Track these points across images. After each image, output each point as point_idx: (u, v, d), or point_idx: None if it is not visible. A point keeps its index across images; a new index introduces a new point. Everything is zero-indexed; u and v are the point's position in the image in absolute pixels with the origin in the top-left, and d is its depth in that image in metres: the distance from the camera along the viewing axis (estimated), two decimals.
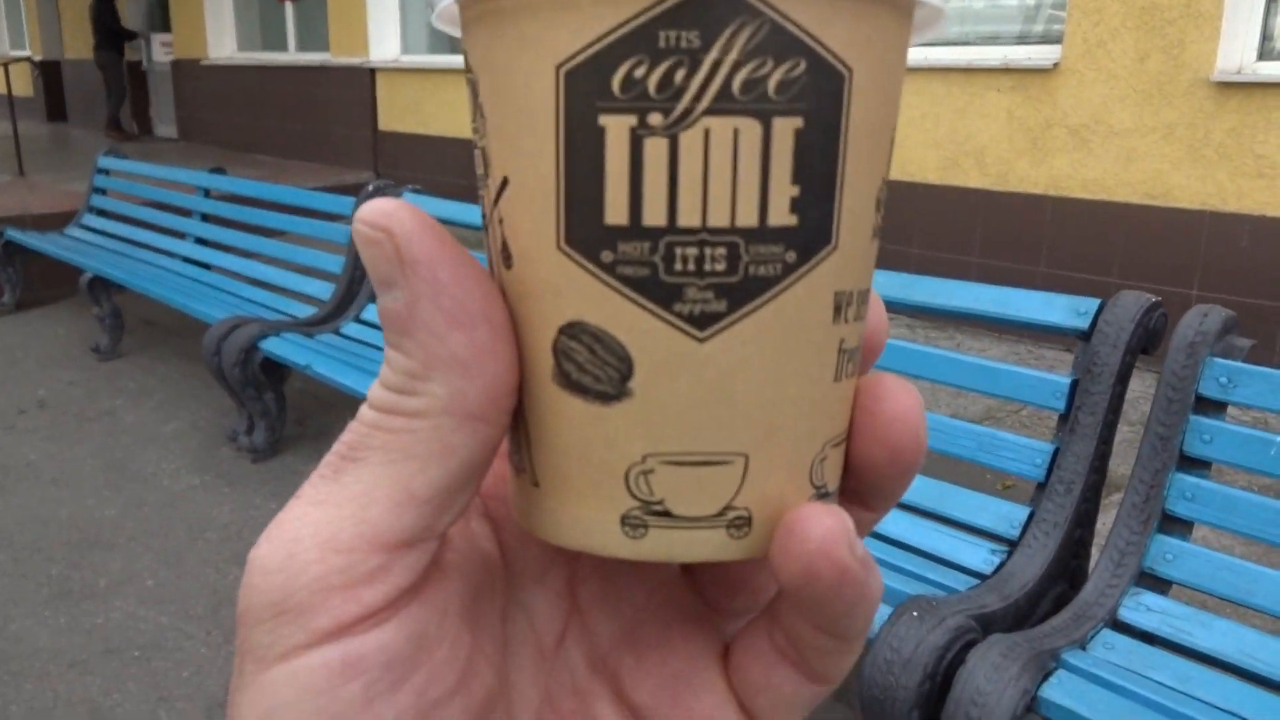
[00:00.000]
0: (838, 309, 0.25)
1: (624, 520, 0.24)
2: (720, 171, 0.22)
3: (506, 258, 0.25)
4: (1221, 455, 1.71)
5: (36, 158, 8.87)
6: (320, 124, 9.06)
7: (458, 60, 6.87)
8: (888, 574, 1.81)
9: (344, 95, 8.69)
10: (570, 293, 0.23)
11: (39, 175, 8.04)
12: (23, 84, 13.88)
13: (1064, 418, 1.87)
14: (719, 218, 0.22)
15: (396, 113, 8.26)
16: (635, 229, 0.23)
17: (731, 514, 0.25)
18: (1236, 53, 4.13)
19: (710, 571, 0.30)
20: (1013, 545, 1.85)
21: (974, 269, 4.89)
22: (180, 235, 4.85)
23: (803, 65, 0.22)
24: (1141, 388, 3.35)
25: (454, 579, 0.26)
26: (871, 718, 1.55)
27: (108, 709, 2.26)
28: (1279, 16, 4.19)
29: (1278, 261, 4.04)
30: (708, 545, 0.25)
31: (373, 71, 8.41)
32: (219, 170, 4.89)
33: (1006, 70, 4.76)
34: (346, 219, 3.89)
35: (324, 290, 3.92)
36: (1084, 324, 1.85)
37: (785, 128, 0.22)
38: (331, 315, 3.78)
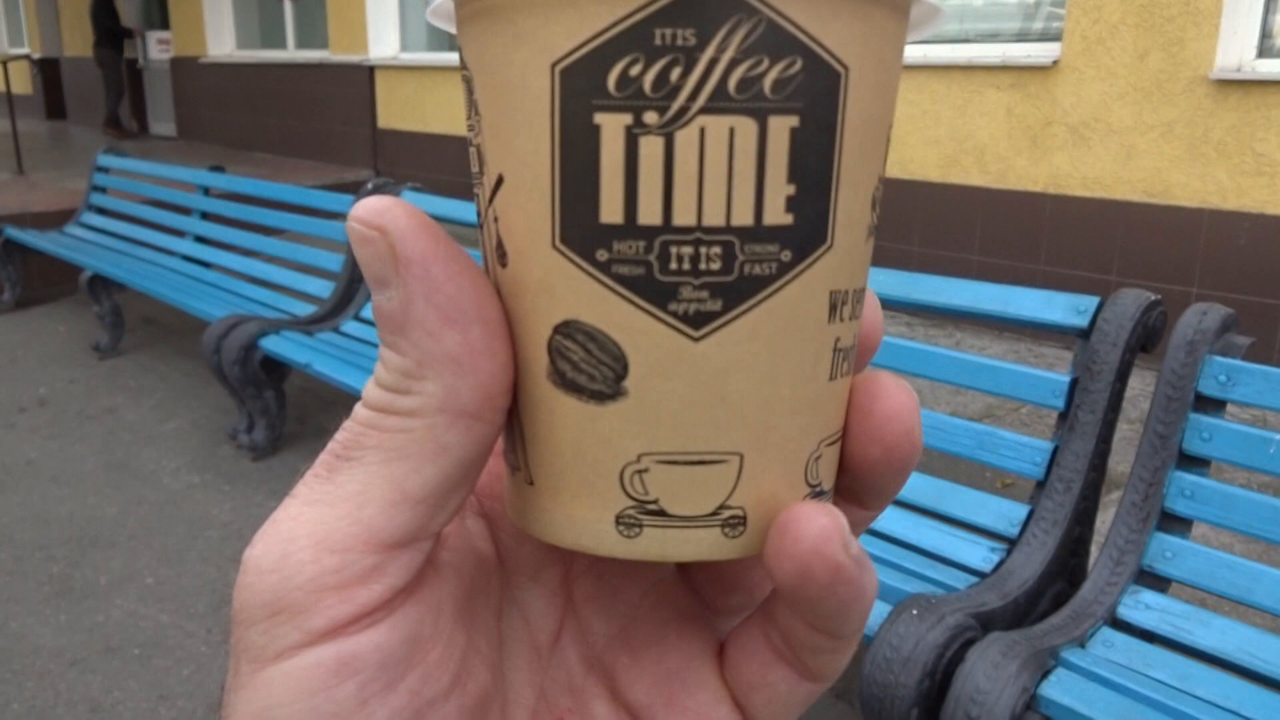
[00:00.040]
0: (833, 308, 0.25)
1: (619, 519, 0.24)
2: (715, 170, 0.22)
3: (501, 256, 0.25)
4: (1221, 453, 1.71)
5: (36, 156, 8.86)
6: (320, 122, 9.05)
7: (457, 58, 6.87)
8: (887, 572, 1.81)
9: (343, 93, 8.69)
10: (565, 291, 0.23)
11: (38, 173, 8.03)
12: (22, 82, 13.88)
13: (1063, 416, 1.87)
14: (714, 217, 0.22)
15: (396, 110, 8.26)
16: (630, 228, 0.22)
17: (726, 513, 0.24)
18: (1236, 50, 4.12)
19: (705, 569, 0.30)
20: (1012, 543, 1.85)
21: (974, 267, 4.89)
22: (180, 233, 4.85)
23: (799, 63, 0.22)
24: (1141, 386, 3.35)
25: (449, 578, 0.26)
26: (871, 715, 1.55)
27: (108, 707, 2.26)
28: (1278, 14, 4.19)
29: (1277, 259, 4.04)
30: (702, 544, 0.25)
31: (372, 69, 8.40)
32: (218, 168, 4.89)
33: (1006, 68, 4.75)
34: (346, 217, 3.87)
35: (324, 288, 3.91)
36: (1083, 322, 1.85)
37: (781, 126, 0.22)
38: (331, 313, 3.78)
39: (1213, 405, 1.73)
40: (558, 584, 0.30)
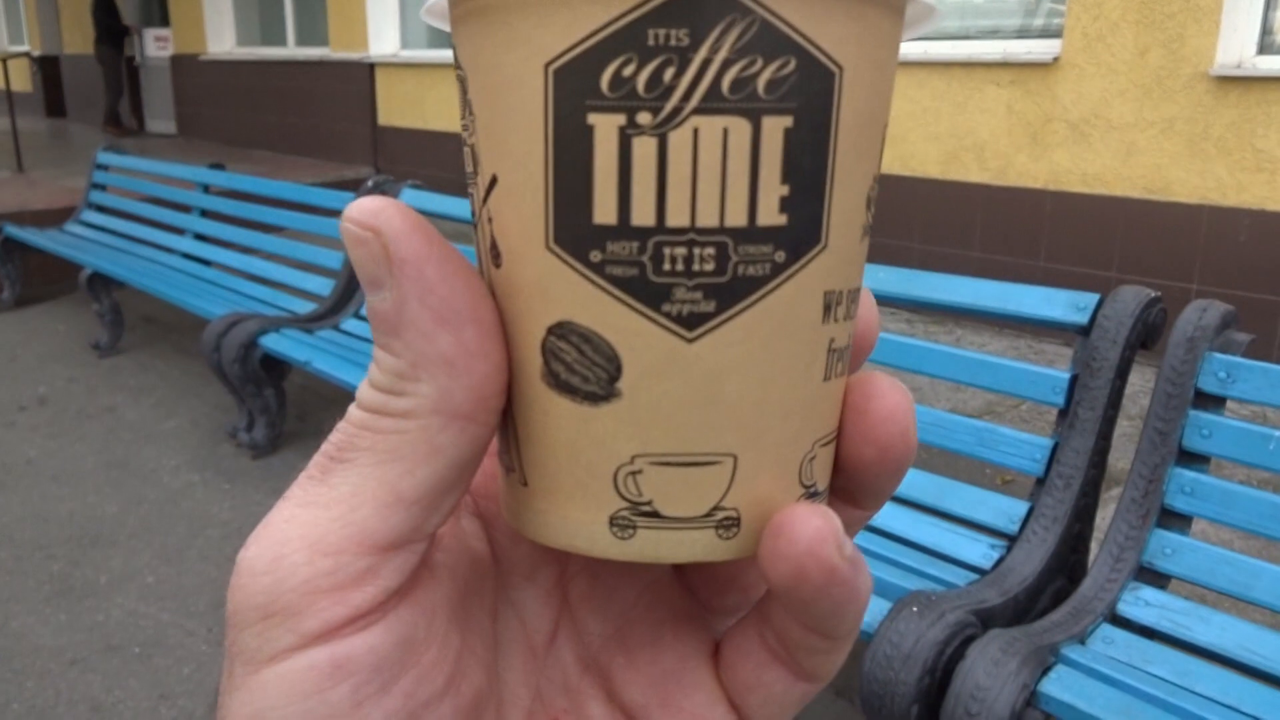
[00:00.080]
0: (827, 308, 0.24)
1: (612, 521, 0.24)
2: (709, 171, 0.22)
3: (496, 256, 0.25)
4: (1220, 450, 1.71)
5: (35, 153, 8.86)
6: (319, 119, 9.05)
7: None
8: (887, 569, 1.81)
9: (343, 90, 8.68)
10: (559, 292, 0.23)
11: (38, 171, 8.03)
12: (21, 79, 13.86)
13: (1063, 413, 1.87)
14: (708, 217, 0.22)
15: (396, 108, 8.25)
16: (624, 229, 0.22)
17: (720, 514, 0.24)
18: (1236, 47, 4.12)
19: (701, 570, 0.30)
20: (1012, 540, 1.85)
21: (974, 263, 4.89)
22: (180, 231, 4.84)
23: (793, 64, 0.22)
24: (1141, 382, 3.35)
25: (443, 580, 0.26)
26: (871, 713, 1.55)
27: (109, 706, 2.26)
28: (1278, 11, 4.18)
29: (1277, 256, 4.04)
30: (696, 546, 0.25)
31: (372, 66, 8.40)
32: (218, 166, 4.88)
33: (1006, 64, 4.75)
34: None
35: (324, 286, 3.91)
36: (1083, 319, 1.85)
37: (775, 127, 0.22)
38: (331, 311, 3.78)
39: (1212, 402, 1.73)
40: (553, 584, 0.30)
